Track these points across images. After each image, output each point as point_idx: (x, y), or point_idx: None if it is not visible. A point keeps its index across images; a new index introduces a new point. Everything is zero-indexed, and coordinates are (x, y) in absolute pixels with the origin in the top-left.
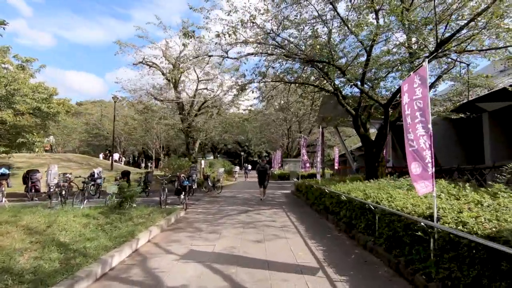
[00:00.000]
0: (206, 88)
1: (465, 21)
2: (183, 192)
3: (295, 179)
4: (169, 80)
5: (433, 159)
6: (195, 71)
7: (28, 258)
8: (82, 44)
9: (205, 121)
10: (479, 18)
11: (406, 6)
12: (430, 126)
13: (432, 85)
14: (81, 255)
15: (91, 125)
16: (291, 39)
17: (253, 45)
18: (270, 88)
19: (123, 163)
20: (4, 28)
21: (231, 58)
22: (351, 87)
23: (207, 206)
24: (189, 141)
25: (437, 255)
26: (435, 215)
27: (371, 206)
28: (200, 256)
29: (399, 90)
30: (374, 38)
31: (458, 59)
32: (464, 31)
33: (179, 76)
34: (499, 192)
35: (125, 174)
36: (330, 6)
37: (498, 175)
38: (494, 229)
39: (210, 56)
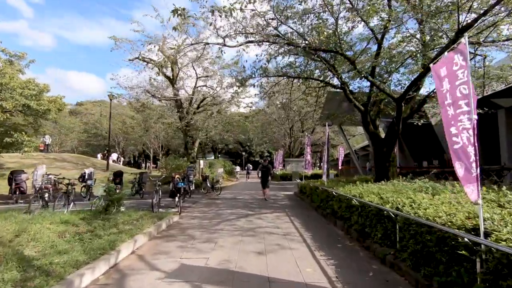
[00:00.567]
0: (205, 85)
1: (486, 8)
2: (177, 195)
3: (298, 180)
4: (166, 77)
5: (477, 158)
6: (193, 68)
7: None
8: (82, 44)
9: (205, 120)
10: (500, 5)
11: None
12: (475, 116)
13: None
14: (44, 274)
15: (89, 124)
16: (295, 27)
17: (254, 37)
18: (272, 83)
19: (121, 163)
20: None
21: (229, 46)
22: (361, 79)
23: (204, 210)
24: (187, 140)
25: (487, 281)
26: (482, 229)
27: (391, 214)
28: (190, 273)
29: (413, 83)
30: (387, 25)
31: (475, 52)
32: (486, 17)
33: (169, 65)
34: None
35: (118, 175)
36: None
37: None
38: None
39: (206, 44)
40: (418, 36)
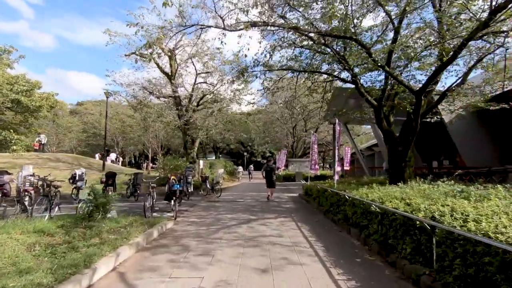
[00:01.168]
0: (205, 82)
1: None
2: (173, 198)
3: (303, 181)
4: (164, 73)
5: None
6: (193, 64)
7: None
8: (83, 45)
9: (205, 118)
10: None
11: None
12: None
13: (467, 75)
14: None
15: (88, 124)
16: (305, 14)
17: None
18: (275, 79)
19: (120, 163)
20: None
21: (229, 30)
22: (377, 69)
23: (202, 214)
24: (187, 139)
25: None
26: None
27: (426, 225)
28: None
29: (436, 74)
30: (406, 7)
31: (494, 42)
32: None
33: (163, 54)
34: None
35: (110, 176)
36: None
37: None
38: None
39: (202, 27)
40: (435, 23)
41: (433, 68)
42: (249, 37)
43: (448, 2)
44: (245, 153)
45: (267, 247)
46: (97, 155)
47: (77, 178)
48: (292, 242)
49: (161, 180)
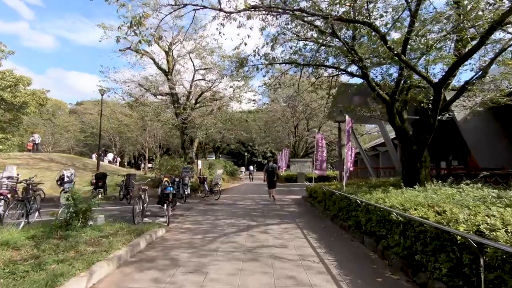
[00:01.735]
0: (204, 79)
1: None
2: (166, 202)
3: (307, 183)
4: (161, 69)
5: None
6: (191, 60)
7: None
8: (84, 45)
9: (203, 117)
10: None
11: None
12: None
13: (488, 67)
14: None
15: (86, 124)
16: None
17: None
18: (277, 74)
19: (118, 164)
20: None
21: (227, 12)
22: (392, 59)
23: (198, 219)
24: (184, 139)
25: None
26: None
27: (472, 242)
28: None
29: (458, 64)
30: None
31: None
32: None
33: (153, 43)
34: None
35: (101, 177)
36: None
37: None
38: None
39: (196, 8)
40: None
41: (449, 61)
42: (250, 28)
43: None
44: (246, 153)
45: (270, 261)
46: (93, 155)
47: (65, 179)
48: (298, 255)
49: (156, 182)
